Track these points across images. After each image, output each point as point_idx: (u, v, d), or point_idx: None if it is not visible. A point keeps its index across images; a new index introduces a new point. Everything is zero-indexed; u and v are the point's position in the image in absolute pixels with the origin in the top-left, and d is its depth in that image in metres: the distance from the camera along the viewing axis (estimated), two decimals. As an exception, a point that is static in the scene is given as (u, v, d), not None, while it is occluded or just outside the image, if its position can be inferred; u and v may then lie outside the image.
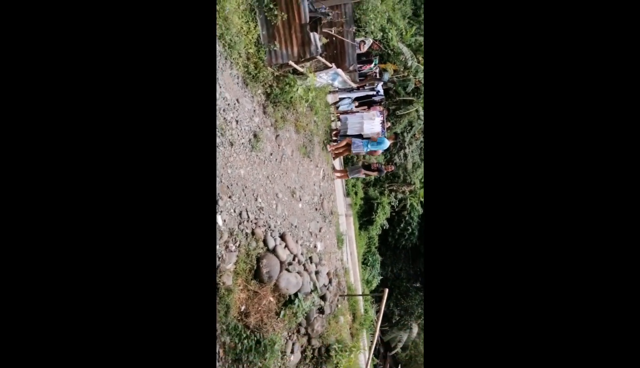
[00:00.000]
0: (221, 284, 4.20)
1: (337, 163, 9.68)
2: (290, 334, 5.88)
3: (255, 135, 5.21)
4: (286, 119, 6.17)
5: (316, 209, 7.11)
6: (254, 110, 5.31)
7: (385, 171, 9.05)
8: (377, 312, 10.40)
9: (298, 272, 5.38)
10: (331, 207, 7.87)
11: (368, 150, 7.78)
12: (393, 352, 20.28)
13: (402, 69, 11.53)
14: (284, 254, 5.01)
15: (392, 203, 18.66)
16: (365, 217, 18.10)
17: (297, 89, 5.66)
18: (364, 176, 9.27)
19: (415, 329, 19.27)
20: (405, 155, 18.34)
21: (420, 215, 18.50)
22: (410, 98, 14.95)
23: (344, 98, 8.59)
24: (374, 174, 9.16)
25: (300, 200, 6.39)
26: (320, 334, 6.61)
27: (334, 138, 8.46)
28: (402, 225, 19.01)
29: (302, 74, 5.72)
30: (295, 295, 5.33)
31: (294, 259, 5.38)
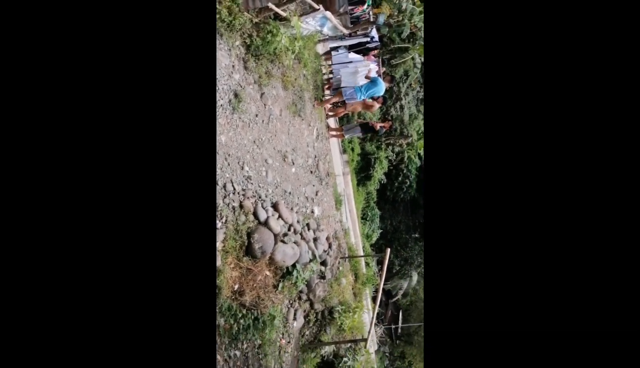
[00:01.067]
0: (208, 266, 3.66)
1: (332, 121, 8.93)
2: (291, 302, 5.46)
3: (236, 95, 4.46)
4: (271, 74, 5.39)
5: (311, 172, 6.48)
6: (233, 66, 4.53)
7: (384, 129, 8.26)
8: (380, 270, 10.09)
9: (295, 242, 4.85)
10: (327, 168, 7.23)
11: (362, 97, 6.97)
12: (394, 299, 20.48)
13: (396, 13, 10.47)
14: (277, 225, 4.44)
15: (390, 157, 18.03)
16: (362, 173, 17.54)
17: (282, 39, 4.84)
18: (361, 135, 8.48)
19: (415, 277, 19.35)
20: (401, 107, 17.46)
21: (418, 168, 17.98)
22: (405, 45, 13.84)
23: (337, 47, 7.68)
24: (372, 133, 8.37)
25: (293, 164, 5.74)
26: (322, 298, 6.22)
27: (326, 91, 7.67)
28: (400, 179, 18.51)
29: (285, 19, 4.88)
30: (293, 266, 4.84)
31: (289, 229, 4.82)
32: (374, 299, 7.95)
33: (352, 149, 16.78)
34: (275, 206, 4.71)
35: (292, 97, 5.99)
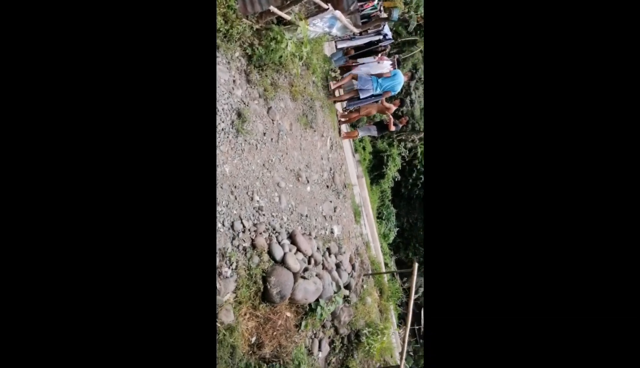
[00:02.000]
0: (219, 325, 3.01)
1: (344, 127, 8.22)
2: (315, 332, 4.81)
3: (239, 115, 3.78)
4: (278, 85, 4.70)
5: (327, 186, 5.78)
6: (234, 81, 3.85)
7: (400, 125, 7.34)
8: (405, 283, 9.35)
9: (317, 275, 4.19)
10: (343, 179, 6.52)
11: (378, 89, 6.17)
12: (415, 297, 19.72)
13: (402, 6, 9.68)
14: (296, 262, 3.77)
15: (402, 154, 17.25)
16: (375, 171, 16.77)
17: (287, 45, 4.13)
18: (377, 135, 7.63)
19: (436, 273, 18.55)
20: (412, 102, 16.62)
21: (431, 162, 17.19)
22: (413, 38, 12.96)
23: (342, 49, 6.94)
24: (389, 132, 7.51)
25: (308, 181, 5.05)
26: (348, 322, 5.57)
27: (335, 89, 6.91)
28: (414, 175, 17.72)
29: (289, 23, 4.17)
30: (317, 302, 4.18)
31: (309, 262, 4.15)
32: (402, 318, 7.24)
33: (364, 148, 16.01)
34: (292, 237, 4.03)
35: (302, 107, 5.29)
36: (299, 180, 4.80)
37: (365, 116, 7.13)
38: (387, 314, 7.22)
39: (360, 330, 5.94)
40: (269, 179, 4.12)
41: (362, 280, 6.53)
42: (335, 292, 4.52)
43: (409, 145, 17.20)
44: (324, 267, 4.47)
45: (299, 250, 3.98)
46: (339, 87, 6.96)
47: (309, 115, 5.38)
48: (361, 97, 6.33)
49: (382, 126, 7.31)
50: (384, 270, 8.06)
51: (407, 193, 18.18)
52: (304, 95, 5.33)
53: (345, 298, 5.41)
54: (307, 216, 4.74)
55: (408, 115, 18.90)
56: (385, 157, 16.38)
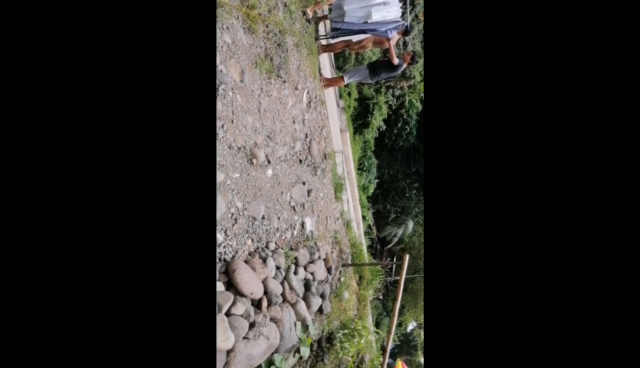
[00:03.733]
0: None
1: (329, 69, 6.08)
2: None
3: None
4: (223, 4, 2.63)
5: (300, 162, 3.93)
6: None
7: (405, 64, 4.91)
8: (393, 283, 7.89)
9: (272, 319, 2.54)
10: (323, 147, 4.65)
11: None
12: (389, 246, 18.94)
13: None
14: (227, 332, 2.05)
15: (390, 102, 15.14)
16: (360, 120, 14.71)
17: None
18: (370, 81, 5.46)
19: (411, 225, 17.58)
20: (405, 44, 14.15)
21: (419, 113, 15.26)
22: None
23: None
24: (388, 77, 5.30)
25: (269, 162, 3.18)
26: (320, 327, 4.10)
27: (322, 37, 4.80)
28: (399, 125, 15.81)
29: None
30: (270, 362, 2.59)
31: (259, 306, 2.47)
32: (382, 349, 5.76)
33: (349, 94, 13.83)
34: (229, 272, 2.27)
35: (265, 45, 3.23)
36: (253, 163, 2.92)
37: (356, 50, 4.97)
38: (366, 304, 5.83)
39: (333, 333, 4.50)
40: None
41: (340, 273, 4.97)
42: (300, 340, 2.91)
43: (397, 92, 15.09)
44: (284, 300, 2.79)
45: (238, 293, 2.24)
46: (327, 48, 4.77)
47: (275, 58, 3.34)
48: (346, 14, 4.19)
49: (374, 67, 5.05)
50: (365, 250, 6.55)
51: (390, 143, 16.37)
52: (268, 25, 3.25)
53: (319, 310, 3.85)
54: (264, 218, 2.95)
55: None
56: (372, 105, 14.31)
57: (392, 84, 15.23)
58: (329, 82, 5.39)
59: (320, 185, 4.41)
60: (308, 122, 4.19)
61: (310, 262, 3.47)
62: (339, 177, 5.39)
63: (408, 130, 15.47)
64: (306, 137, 4.12)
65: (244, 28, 2.93)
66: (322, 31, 5.04)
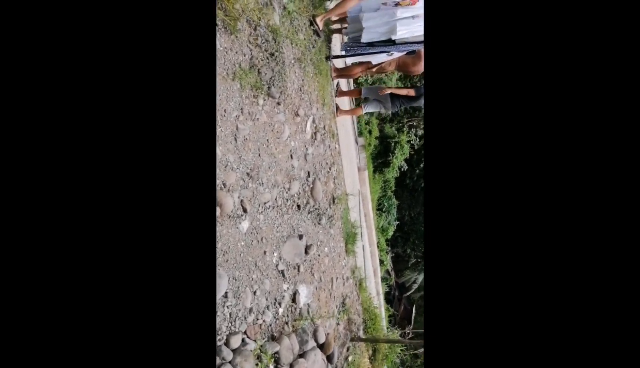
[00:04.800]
0: None
1: (343, 84, 5.15)
2: None
3: None
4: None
5: (298, 207, 2.90)
6: None
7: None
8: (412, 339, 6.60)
9: None
10: (332, 188, 3.62)
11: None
12: (408, 293, 17.22)
13: None
14: None
15: (412, 141, 14.14)
16: (380, 158, 13.70)
17: None
18: (390, 110, 4.54)
19: (432, 270, 16.01)
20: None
21: (443, 153, 14.19)
22: None
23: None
24: (406, 92, 4.34)
25: (245, 211, 2.17)
26: None
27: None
28: (421, 165, 14.72)
29: None
30: None
31: None
32: None
33: (370, 132, 12.95)
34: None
35: (250, 52, 2.33)
36: (224, 210, 1.92)
37: (377, 73, 4.07)
38: (381, 385, 4.52)
39: None
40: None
41: (348, 349, 3.77)
42: None
43: (420, 132, 14.13)
44: None
45: None
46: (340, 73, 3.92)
47: (265, 71, 2.42)
48: (364, 30, 3.20)
49: (399, 97, 4.15)
50: (383, 314, 5.31)
51: (411, 184, 15.19)
52: (257, 27, 2.36)
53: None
54: (226, 296, 1.90)
55: (422, 97, 15.68)
56: (393, 144, 13.35)
57: (415, 124, 14.31)
58: (345, 112, 4.50)
59: (325, 238, 3.35)
60: (312, 157, 3.20)
61: (300, 356, 2.34)
62: (352, 225, 4.30)
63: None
64: (308, 176, 3.12)
65: (217, 25, 2.03)
66: (336, 49, 4.17)
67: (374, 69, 3.98)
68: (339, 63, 4.21)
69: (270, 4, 2.40)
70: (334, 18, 4.25)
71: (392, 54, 3.67)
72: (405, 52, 3.65)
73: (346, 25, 3.71)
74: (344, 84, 4.96)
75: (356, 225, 4.40)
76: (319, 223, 3.24)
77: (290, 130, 2.84)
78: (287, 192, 2.76)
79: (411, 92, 4.14)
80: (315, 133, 3.29)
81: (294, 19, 2.75)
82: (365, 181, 8.32)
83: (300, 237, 2.86)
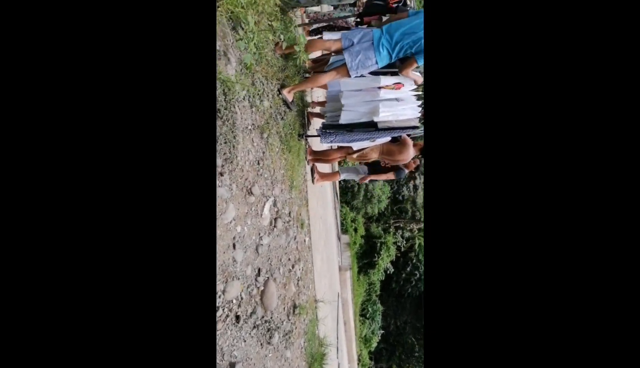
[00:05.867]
0: None
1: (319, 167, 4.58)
2: None
3: None
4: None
5: (237, 319, 2.00)
6: None
7: (406, 171, 3.60)
8: None
9: None
10: (294, 293, 2.73)
11: (390, 59, 2.55)
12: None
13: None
14: None
15: (399, 243, 13.41)
16: (365, 258, 12.77)
17: None
18: (367, 181, 4.03)
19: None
20: (415, 187, 13.19)
21: (430, 258, 13.35)
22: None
23: (339, 37, 3.13)
24: (386, 177, 3.87)
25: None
26: None
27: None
28: (408, 269, 13.69)
29: None
30: None
31: None
32: None
33: (355, 230, 12.28)
34: None
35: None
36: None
37: (358, 160, 3.53)
38: None
39: None
40: None
41: None
42: None
43: (407, 234, 13.51)
44: None
45: None
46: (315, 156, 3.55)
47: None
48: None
49: (378, 168, 3.66)
50: None
51: (397, 288, 13.93)
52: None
53: None
54: None
55: (409, 201, 15.41)
56: (379, 244, 12.58)
57: (401, 225, 13.79)
58: (322, 177, 3.88)
59: (276, 364, 2.34)
60: (268, 250, 2.40)
61: None
62: (321, 343, 3.27)
63: (418, 275, 13.30)
64: (258, 274, 2.27)
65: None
66: (313, 127, 3.68)
67: (354, 156, 3.45)
68: (316, 146, 3.70)
69: (225, 55, 1.89)
70: (315, 100, 3.90)
71: (374, 140, 3.18)
72: (388, 138, 3.16)
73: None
74: (324, 166, 4.42)
75: (326, 343, 3.36)
76: (269, 343, 2.28)
77: (238, 212, 2.10)
78: (220, 297, 1.89)
79: (391, 176, 3.61)
80: (275, 219, 2.54)
81: (256, 81, 2.25)
82: (347, 283, 7.31)
83: (232, 366, 1.89)
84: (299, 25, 2.80)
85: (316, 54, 3.52)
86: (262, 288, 2.28)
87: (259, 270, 2.28)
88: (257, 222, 2.32)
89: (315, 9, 3.99)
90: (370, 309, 12.92)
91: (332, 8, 3.91)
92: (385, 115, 2.84)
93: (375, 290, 13.61)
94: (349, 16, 3.64)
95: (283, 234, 2.65)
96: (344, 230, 11.09)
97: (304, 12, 3.86)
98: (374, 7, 3.29)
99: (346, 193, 11.37)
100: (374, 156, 3.33)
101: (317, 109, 3.73)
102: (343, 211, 11.70)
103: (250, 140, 2.20)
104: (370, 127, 2.97)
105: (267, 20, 2.14)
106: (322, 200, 5.36)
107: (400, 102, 2.87)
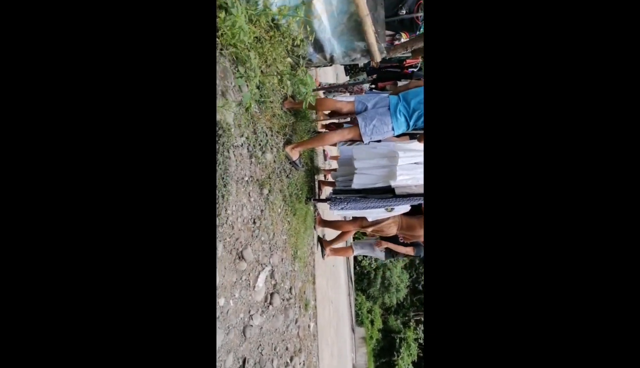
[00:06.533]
0: None
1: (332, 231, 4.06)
2: None
3: None
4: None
5: None
6: None
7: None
8: None
9: None
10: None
11: (409, 123, 2.27)
12: None
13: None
14: None
15: (420, 339, 11.85)
16: (383, 357, 11.20)
17: None
18: (383, 257, 3.47)
19: None
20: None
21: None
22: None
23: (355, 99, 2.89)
24: (404, 251, 3.34)
25: None
26: None
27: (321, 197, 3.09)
28: (433, 373, 11.82)
29: None
30: None
31: None
32: None
33: (372, 322, 11.02)
34: None
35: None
36: None
37: (373, 235, 3.09)
38: None
39: None
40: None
41: None
42: None
43: (430, 330, 12.00)
44: None
45: None
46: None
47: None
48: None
49: (395, 241, 3.17)
50: None
51: (422, 398, 11.87)
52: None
53: None
54: None
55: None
56: (398, 340, 11.12)
57: (422, 319, 12.34)
58: (334, 252, 3.37)
59: None
60: (259, 333, 1.86)
61: None
62: None
63: None
64: (243, 365, 1.71)
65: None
66: (324, 195, 3.33)
67: (369, 229, 3.03)
68: (327, 214, 3.33)
69: (223, 96, 1.69)
70: (327, 168, 3.65)
71: (392, 209, 2.78)
72: (408, 208, 2.77)
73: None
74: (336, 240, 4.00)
75: None
76: None
77: (224, 279, 1.66)
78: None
79: (410, 252, 3.10)
80: (272, 294, 2.05)
81: (258, 129, 2.01)
82: (362, 386, 6.18)
83: None
84: (313, 90, 2.76)
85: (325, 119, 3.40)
86: (245, 387, 1.70)
87: (244, 360, 1.72)
88: (248, 296, 1.84)
89: (330, 78, 4.06)
90: (389, 423, 10.98)
91: (348, 78, 3.94)
92: (404, 179, 2.51)
93: (395, 397, 11.70)
94: (363, 82, 3.62)
95: (281, 315, 2.12)
96: (359, 322, 9.94)
97: (319, 84, 3.87)
98: (389, 73, 3.25)
99: (362, 280, 10.49)
100: (391, 231, 2.90)
101: (329, 177, 3.46)
102: (358, 300, 10.64)
103: (246, 194, 1.86)
104: (386, 192, 2.61)
105: (275, 69, 1.99)
106: (334, 281, 4.75)
107: (420, 166, 2.55)
